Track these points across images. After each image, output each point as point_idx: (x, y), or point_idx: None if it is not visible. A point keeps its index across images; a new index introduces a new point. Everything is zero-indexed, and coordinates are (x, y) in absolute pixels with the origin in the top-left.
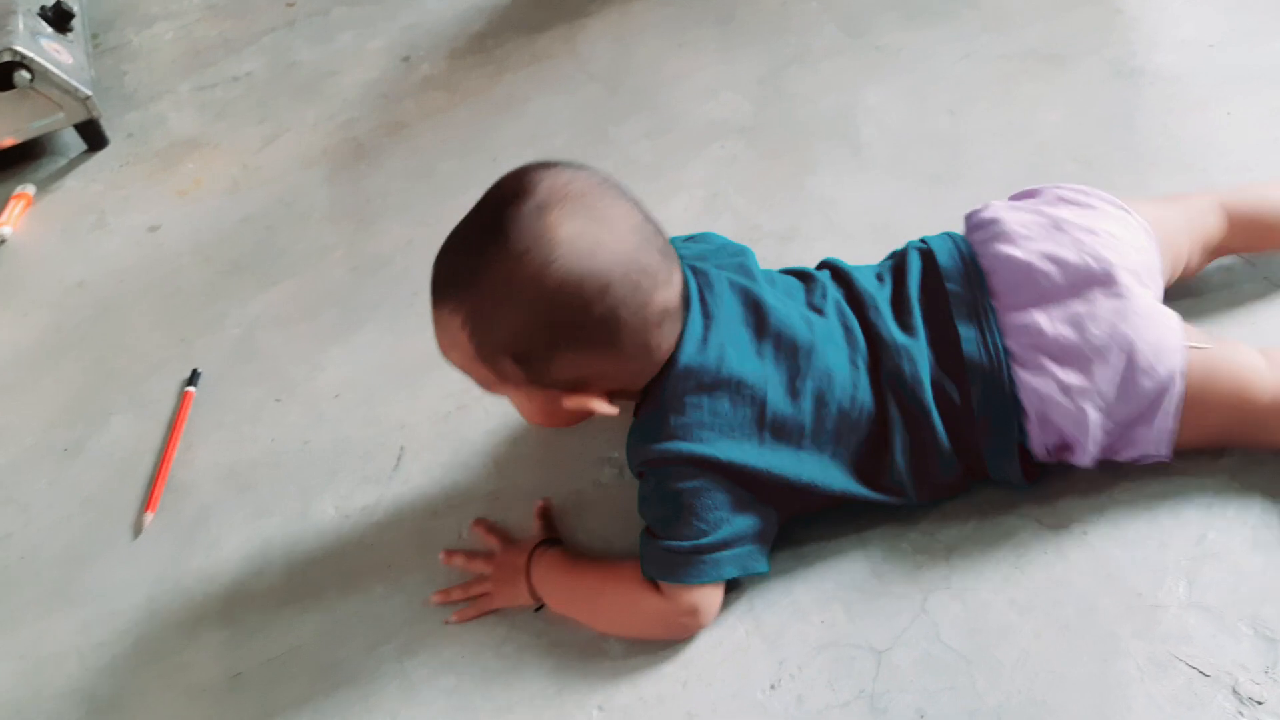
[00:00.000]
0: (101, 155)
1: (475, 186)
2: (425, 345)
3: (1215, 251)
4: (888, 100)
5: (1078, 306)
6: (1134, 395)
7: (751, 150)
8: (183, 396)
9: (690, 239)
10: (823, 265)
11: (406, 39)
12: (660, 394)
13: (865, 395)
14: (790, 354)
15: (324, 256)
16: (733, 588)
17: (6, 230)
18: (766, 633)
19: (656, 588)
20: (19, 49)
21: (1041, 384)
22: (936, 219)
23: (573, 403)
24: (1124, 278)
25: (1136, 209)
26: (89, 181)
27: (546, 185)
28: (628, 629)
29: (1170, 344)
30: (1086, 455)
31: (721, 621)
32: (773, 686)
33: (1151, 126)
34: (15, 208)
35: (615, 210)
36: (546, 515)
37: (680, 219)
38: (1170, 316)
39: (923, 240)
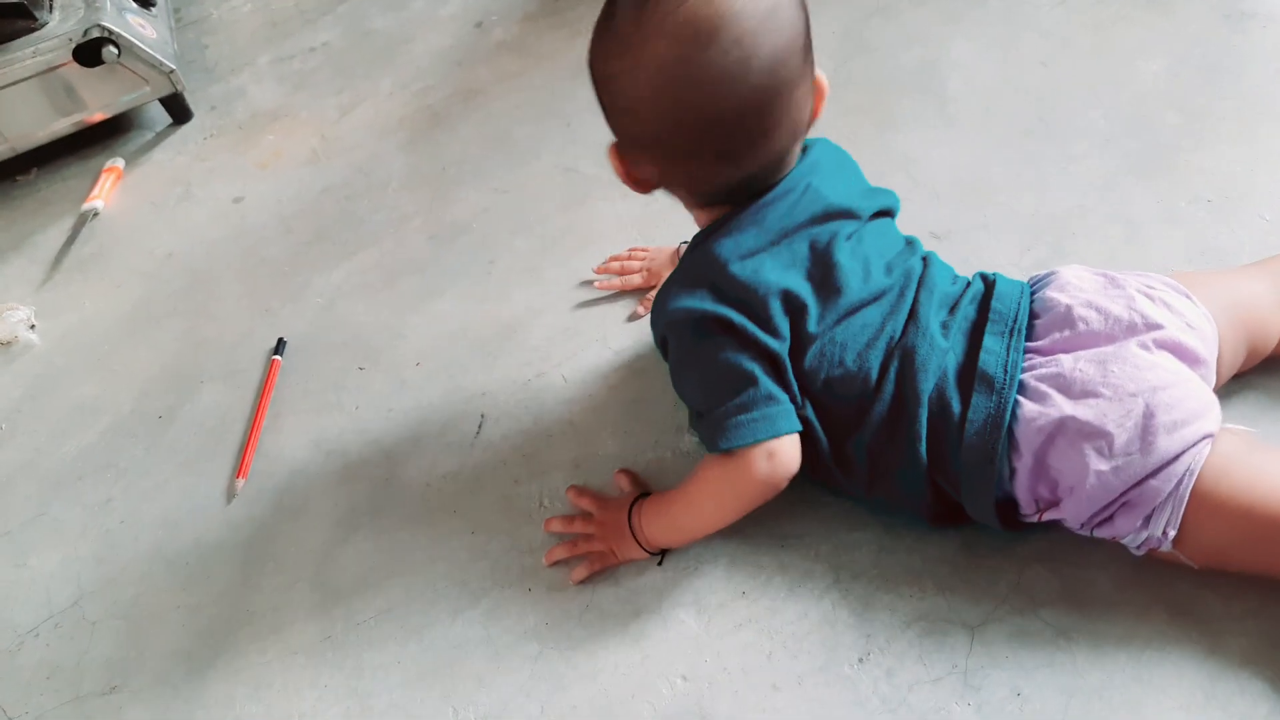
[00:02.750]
0: (186, 128)
1: (550, 152)
2: (504, 313)
3: None
4: (976, 52)
5: (1106, 348)
6: (1148, 450)
7: (832, 107)
8: (270, 365)
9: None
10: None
11: (479, 4)
12: (714, 241)
13: (876, 357)
14: (834, 292)
15: (402, 225)
16: (817, 556)
17: (99, 204)
18: (854, 605)
19: (732, 458)
20: (107, 25)
21: (1044, 415)
22: (1028, 177)
23: (615, 161)
24: (1165, 341)
25: (1208, 286)
26: (175, 154)
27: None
28: (734, 509)
29: (1204, 410)
30: (1079, 512)
31: (807, 592)
32: (861, 660)
33: (1263, 75)
34: (106, 181)
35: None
36: (632, 474)
37: None
38: (1210, 393)
39: (994, 274)
